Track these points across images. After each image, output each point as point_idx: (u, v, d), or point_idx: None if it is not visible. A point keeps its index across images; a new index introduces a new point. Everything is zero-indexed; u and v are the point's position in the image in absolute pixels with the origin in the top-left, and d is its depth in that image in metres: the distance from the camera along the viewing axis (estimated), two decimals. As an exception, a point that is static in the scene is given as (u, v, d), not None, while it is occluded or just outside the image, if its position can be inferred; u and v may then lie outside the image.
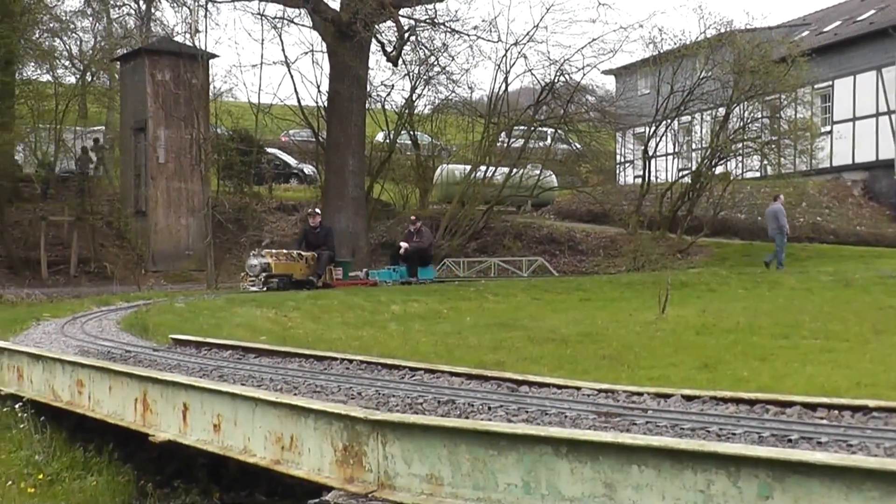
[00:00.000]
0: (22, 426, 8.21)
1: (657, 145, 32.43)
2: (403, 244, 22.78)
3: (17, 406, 8.49)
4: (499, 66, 32.76)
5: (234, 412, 5.74)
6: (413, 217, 24.21)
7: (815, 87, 34.02)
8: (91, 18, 37.89)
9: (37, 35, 29.62)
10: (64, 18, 32.49)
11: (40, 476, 7.46)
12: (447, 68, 31.90)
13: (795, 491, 3.44)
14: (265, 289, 18.91)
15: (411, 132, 33.37)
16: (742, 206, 33.36)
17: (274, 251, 20.33)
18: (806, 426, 4.63)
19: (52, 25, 30.85)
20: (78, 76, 32.77)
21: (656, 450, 3.77)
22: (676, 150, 35.67)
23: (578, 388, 5.92)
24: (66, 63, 32.71)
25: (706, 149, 31.39)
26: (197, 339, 9.72)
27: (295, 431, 5.27)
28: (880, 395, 7.45)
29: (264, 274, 19.13)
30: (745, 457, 3.56)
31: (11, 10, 26.03)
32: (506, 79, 32.02)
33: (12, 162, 29.49)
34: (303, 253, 20.58)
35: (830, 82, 36.27)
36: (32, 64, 30.89)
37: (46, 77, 31.83)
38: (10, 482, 7.22)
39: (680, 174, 33.49)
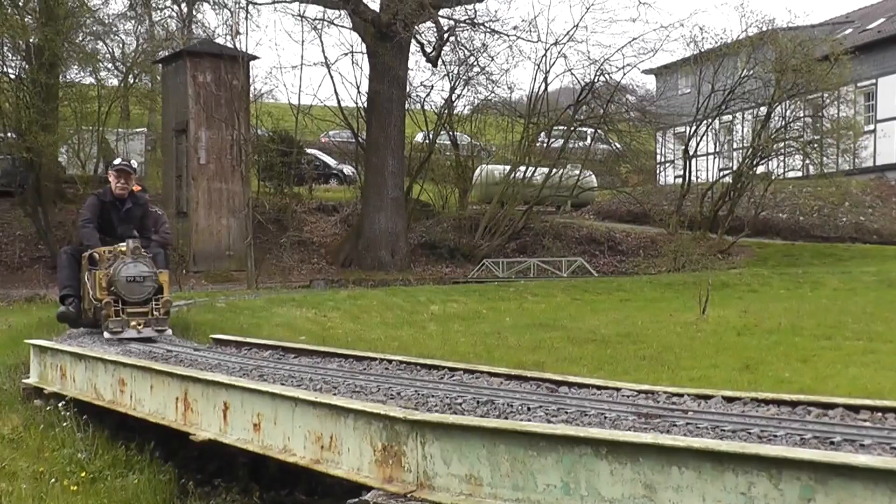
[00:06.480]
0: (65, 425, 8.28)
1: (698, 145, 32.23)
2: None
3: (60, 405, 8.56)
4: (538, 66, 32.81)
5: (273, 412, 5.76)
6: None
7: (859, 85, 33.67)
8: (133, 21, 38.33)
9: (80, 38, 29.94)
10: (107, 21, 32.89)
11: (83, 474, 7.53)
12: (486, 68, 32.04)
13: (838, 494, 3.40)
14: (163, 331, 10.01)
15: (451, 132, 33.41)
16: (784, 205, 33.09)
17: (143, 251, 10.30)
18: (849, 428, 4.58)
19: (95, 28, 31.20)
20: (120, 78, 33.10)
21: (697, 451, 3.74)
22: (717, 149, 35.45)
23: (618, 389, 5.89)
24: (109, 65, 33.10)
25: (747, 148, 31.17)
26: (237, 338, 9.74)
27: (334, 431, 5.27)
28: (925, 397, 7.36)
29: (162, 298, 10.08)
30: (786, 459, 3.52)
31: (55, 13, 26.34)
32: (545, 79, 32.05)
33: (56, 163, 29.83)
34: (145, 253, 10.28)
35: (874, 80, 35.87)
36: (76, 66, 31.26)
37: (89, 79, 32.20)
38: (53, 480, 7.29)
39: (721, 174, 33.26)
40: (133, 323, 9.72)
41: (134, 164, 12.34)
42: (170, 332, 10.07)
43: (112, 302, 9.72)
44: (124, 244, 10.17)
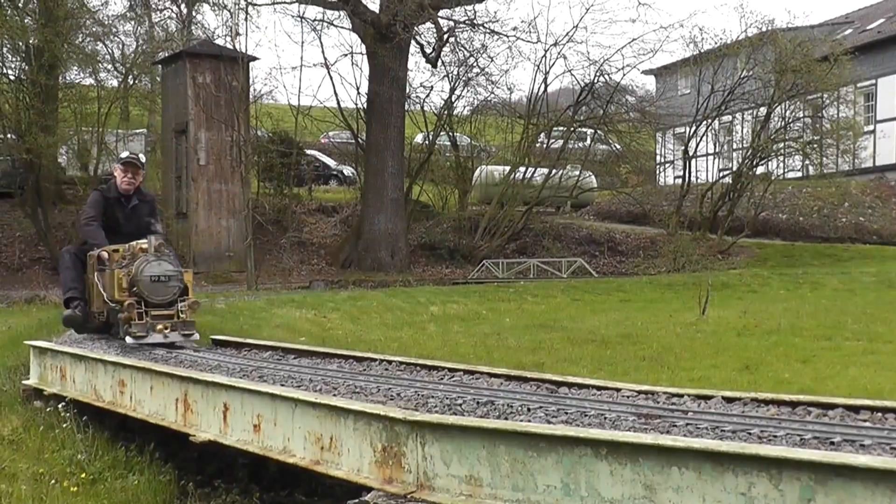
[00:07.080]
0: (65, 426, 8.27)
1: (697, 145, 32.24)
2: None
3: (60, 406, 8.56)
4: (538, 66, 32.88)
5: (273, 412, 5.76)
6: None
7: (858, 85, 33.65)
8: (133, 22, 38.36)
9: (80, 39, 29.92)
10: (106, 23, 32.84)
11: (83, 475, 7.52)
12: (486, 69, 32.05)
13: (838, 494, 3.40)
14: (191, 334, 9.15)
15: (450, 133, 33.42)
16: (783, 206, 33.09)
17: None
18: (849, 429, 4.57)
19: (94, 29, 31.14)
20: (120, 79, 33.08)
21: (697, 452, 3.74)
22: (717, 150, 35.46)
23: (618, 390, 5.88)
24: (109, 66, 33.04)
25: (747, 149, 31.19)
26: (237, 339, 9.73)
27: (334, 432, 5.27)
28: (925, 397, 7.35)
29: (188, 300, 9.28)
30: (787, 459, 3.52)
31: (55, 14, 26.34)
32: (545, 79, 32.09)
33: (56, 164, 29.84)
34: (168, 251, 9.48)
35: (874, 81, 35.87)
36: (75, 68, 31.24)
37: (89, 80, 32.16)
38: (53, 481, 7.29)
39: (721, 174, 33.26)
40: (159, 327, 8.82)
41: (142, 157, 11.13)
42: (197, 336, 9.15)
43: (135, 304, 8.75)
44: (145, 241, 9.13)
